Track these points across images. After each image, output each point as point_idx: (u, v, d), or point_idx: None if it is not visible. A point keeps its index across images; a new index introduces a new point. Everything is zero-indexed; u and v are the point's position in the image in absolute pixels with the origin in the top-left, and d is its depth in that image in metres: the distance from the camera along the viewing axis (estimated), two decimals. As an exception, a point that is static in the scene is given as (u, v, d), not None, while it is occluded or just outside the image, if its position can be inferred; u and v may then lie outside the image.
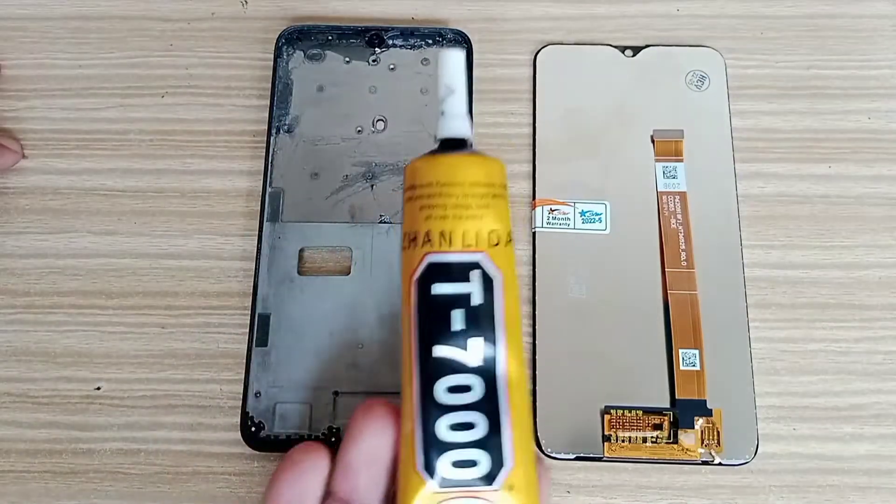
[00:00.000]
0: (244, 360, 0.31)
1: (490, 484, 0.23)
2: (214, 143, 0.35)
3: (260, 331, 0.31)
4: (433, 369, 0.23)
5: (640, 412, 0.31)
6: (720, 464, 0.30)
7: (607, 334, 0.32)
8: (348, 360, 0.31)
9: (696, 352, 0.31)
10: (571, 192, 0.34)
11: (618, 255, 0.33)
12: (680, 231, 0.33)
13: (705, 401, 0.31)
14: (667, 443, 0.30)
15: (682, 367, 0.31)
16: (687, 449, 0.30)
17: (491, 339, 0.23)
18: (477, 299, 0.23)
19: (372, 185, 0.34)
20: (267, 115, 0.35)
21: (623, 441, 0.30)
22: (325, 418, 0.30)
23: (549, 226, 0.33)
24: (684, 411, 0.30)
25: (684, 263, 0.33)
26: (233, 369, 0.32)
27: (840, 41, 0.37)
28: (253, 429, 0.30)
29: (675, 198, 0.33)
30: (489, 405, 0.23)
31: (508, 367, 0.23)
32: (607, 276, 0.32)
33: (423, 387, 0.23)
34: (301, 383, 0.31)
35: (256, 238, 0.33)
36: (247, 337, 0.32)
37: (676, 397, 0.31)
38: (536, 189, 0.34)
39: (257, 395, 0.31)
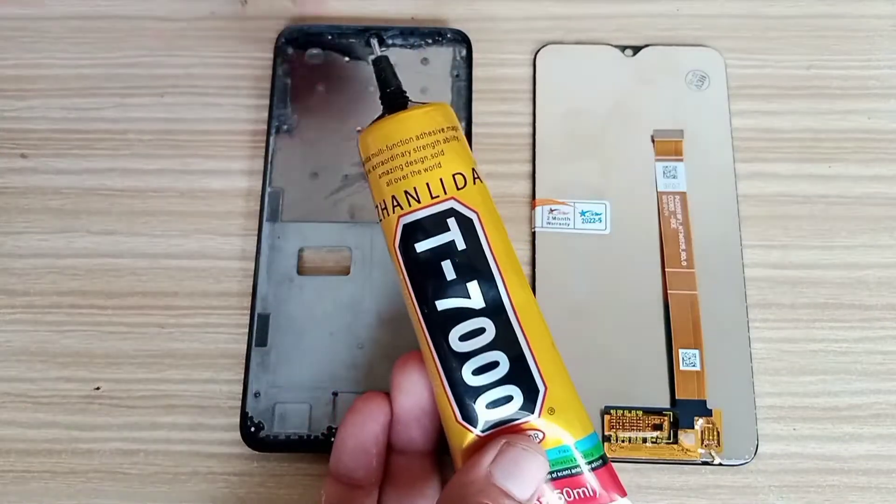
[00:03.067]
0: (244, 360, 0.31)
1: (532, 413, 0.23)
2: (214, 143, 0.35)
3: (259, 331, 0.31)
4: (442, 324, 0.24)
5: (640, 412, 0.31)
6: (720, 464, 0.30)
7: (607, 334, 0.32)
8: (348, 360, 0.31)
9: (696, 352, 0.31)
10: (571, 192, 0.34)
11: (618, 255, 0.33)
12: (680, 231, 0.33)
13: (705, 401, 0.31)
14: (667, 443, 0.30)
15: (682, 368, 0.31)
16: (687, 449, 0.30)
17: (487, 276, 0.24)
18: (461, 244, 0.24)
19: (372, 185, 0.34)
20: (267, 115, 0.35)
21: (623, 441, 0.30)
22: (325, 418, 0.30)
23: (549, 226, 0.33)
24: (684, 411, 0.30)
25: (684, 263, 0.32)
26: (232, 369, 0.32)
27: (840, 41, 0.37)
28: (252, 429, 0.30)
29: (675, 198, 0.33)
30: (506, 340, 0.23)
31: (512, 297, 0.24)
32: (607, 276, 0.32)
33: (438, 343, 0.24)
34: (301, 383, 0.31)
35: (256, 238, 0.33)
36: (246, 337, 0.32)
37: (676, 397, 0.31)
38: (536, 189, 0.34)
39: (257, 395, 0.31)
